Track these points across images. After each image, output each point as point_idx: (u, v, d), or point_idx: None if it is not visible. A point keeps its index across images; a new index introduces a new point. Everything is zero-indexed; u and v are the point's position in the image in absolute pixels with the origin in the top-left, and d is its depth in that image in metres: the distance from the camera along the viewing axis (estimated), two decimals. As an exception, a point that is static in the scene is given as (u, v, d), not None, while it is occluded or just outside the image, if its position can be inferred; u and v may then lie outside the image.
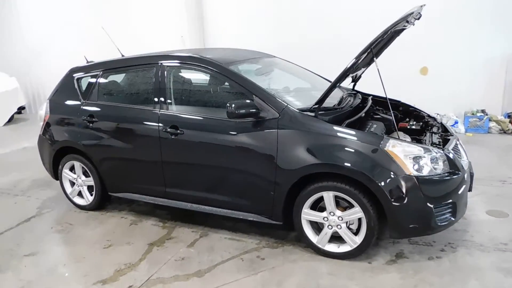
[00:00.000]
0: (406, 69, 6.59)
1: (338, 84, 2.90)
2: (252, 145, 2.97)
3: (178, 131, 3.23)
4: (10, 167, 5.76)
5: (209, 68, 3.23)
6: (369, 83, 6.77)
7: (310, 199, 2.88)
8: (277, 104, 2.95)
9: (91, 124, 3.70)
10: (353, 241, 2.84)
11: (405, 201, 2.62)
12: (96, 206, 3.97)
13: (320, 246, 2.95)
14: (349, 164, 2.68)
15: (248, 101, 2.94)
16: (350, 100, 3.49)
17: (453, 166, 2.77)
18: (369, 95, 4.05)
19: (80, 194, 4.04)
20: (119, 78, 3.83)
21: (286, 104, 2.94)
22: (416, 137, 3.42)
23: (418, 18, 3.39)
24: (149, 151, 3.42)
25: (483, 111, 6.19)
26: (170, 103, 3.37)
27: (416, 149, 2.69)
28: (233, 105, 2.83)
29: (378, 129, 3.33)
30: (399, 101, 3.97)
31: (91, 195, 3.95)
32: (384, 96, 4.05)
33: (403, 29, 3.48)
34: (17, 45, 10.11)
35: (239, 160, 3.05)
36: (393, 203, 2.62)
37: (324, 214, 2.87)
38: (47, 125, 4.04)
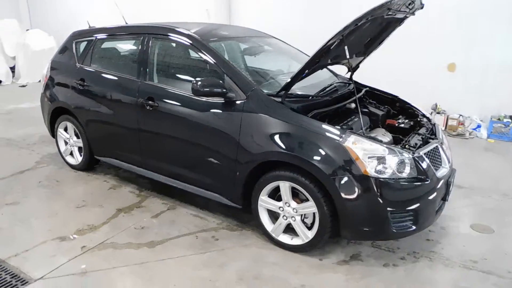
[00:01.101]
0: (432, 65, 6.14)
1: (306, 71, 2.74)
2: (218, 126, 2.92)
3: (154, 103, 3.24)
4: (28, 121, 6.12)
5: (188, 42, 3.18)
6: (380, 76, 6.43)
7: (268, 187, 2.80)
8: (245, 86, 2.86)
9: (81, 88, 3.81)
10: (305, 235, 2.75)
11: (358, 202, 2.48)
12: (84, 167, 4.14)
13: (274, 235, 2.89)
14: (303, 156, 2.56)
15: (215, 79, 2.87)
16: (335, 90, 3.32)
17: (422, 172, 2.56)
18: (366, 86, 3.82)
19: (72, 153, 4.23)
20: (111, 45, 3.88)
21: (254, 87, 2.84)
22: (400, 136, 3.20)
23: (421, 8, 3.12)
24: (129, 120, 3.47)
25: (511, 117, 5.65)
26: (150, 75, 3.37)
27: (380, 149, 2.51)
28: (198, 83, 2.77)
29: (359, 123, 3.16)
30: (396, 97, 3.72)
31: (81, 156, 4.12)
32: (385, 90, 3.91)
33: (401, 19, 3.22)
34: (58, 7, 10.55)
35: (206, 139, 3.02)
36: (346, 202, 2.49)
37: (280, 204, 2.79)
38: (47, 85, 4.21)
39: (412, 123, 3.40)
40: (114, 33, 3.81)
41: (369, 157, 2.46)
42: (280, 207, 2.81)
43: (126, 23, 4.29)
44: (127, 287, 2.48)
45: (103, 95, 3.66)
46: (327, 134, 2.56)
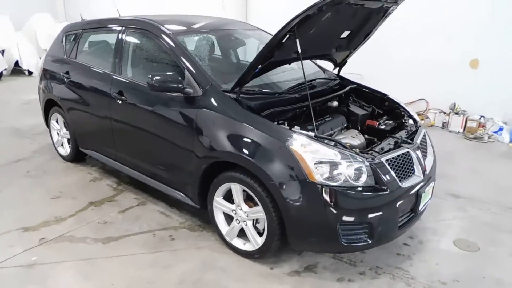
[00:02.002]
0: (453, 60, 5.64)
1: (256, 66, 2.54)
2: (178, 121, 2.83)
3: (123, 97, 3.21)
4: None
5: (156, 35, 3.10)
6: (395, 71, 6.02)
7: (222, 188, 2.68)
8: (202, 81, 2.73)
9: (66, 80, 3.87)
10: (255, 242, 2.59)
11: (304, 211, 2.30)
12: (72, 158, 4.22)
13: (227, 238, 2.76)
14: (249, 157, 2.40)
15: (171, 74, 2.76)
16: (311, 87, 3.10)
17: (381, 181, 2.31)
18: (354, 83, 3.56)
19: (63, 144, 4.33)
20: (93, 38, 3.90)
21: (211, 83, 2.71)
22: (375, 139, 2.93)
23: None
24: (104, 113, 3.47)
25: (538, 120, 5.07)
26: (122, 68, 3.34)
27: (331, 153, 2.29)
28: (153, 78, 2.69)
29: (335, 123, 2.93)
30: (385, 95, 3.42)
31: (69, 147, 4.21)
32: (374, 88, 3.61)
33: (384, 10, 2.94)
34: (90, 0, 10.94)
35: (168, 135, 2.94)
36: (290, 210, 2.31)
37: (233, 206, 2.66)
38: (41, 78, 4.33)
39: (395, 125, 3.11)
40: (97, 26, 3.82)
41: (318, 162, 2.26)
42: (233, 210, 2.67)
43: (119, 16, 4.30)
44: (65, 283, 2.47)
45: (83, 88, 3.69)
46: (273, 135, 2.38)
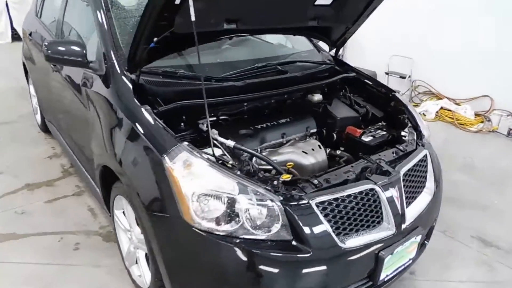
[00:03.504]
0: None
1: (146, 38, 1.74)
2: (84, 105, 2.21)
3: (56, 67, 2.66)
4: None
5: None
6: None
7: (118, 199, 2.03)
8: (108, 57, 2.02)
9: (29, 42, 3.46)
10: (145, 279, 1.93)
11: (175, 262, 1.57)
12: (44, 128, 3.88)
13: (126, 263, 2.14)
14: (122, 168, 1.72)
15: (71, 42, 2.11)
16: (277, 72, 2.26)
17: (302, 236, 1.46)
18: (355, 72, 2.59)
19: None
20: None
21: (114, 58, 1.99)
22: (345, 157, 2.01)
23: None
24: (47, 82, 2.99)
25: None
26: (62, 34, 2.77)
27: (226, 183, 1.48)
28: (49, 45, 2.05)
29: (287, 128, 2.08)
30: (393, 93, 2.42)
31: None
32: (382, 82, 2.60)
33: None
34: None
35: (79, 120, 2.35)
36: (160, 254, 1.59)
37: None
38: (23, 40, 3.99)
39: (387, 138, 2.14)
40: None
41: (202, 195, 1.47)
42: (128, 231, 2.02)
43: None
44: None
45: (35, 51, 3.24)
46: (155, 143, 1.63)
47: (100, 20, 2.15)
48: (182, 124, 1.87)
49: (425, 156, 1.99)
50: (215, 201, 1.47)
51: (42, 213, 2.72)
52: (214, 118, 2.05)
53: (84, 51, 2.07)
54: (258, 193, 1.46)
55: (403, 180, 1.76)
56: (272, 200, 1.46)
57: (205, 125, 1.89)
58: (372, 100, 2.46)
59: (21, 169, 3.26)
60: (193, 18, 1.48)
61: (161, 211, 1.55)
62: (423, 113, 4.91)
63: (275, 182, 1.53)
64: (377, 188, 1.64)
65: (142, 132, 1.67)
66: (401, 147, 1.97)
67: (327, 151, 2.08)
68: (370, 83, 2.52)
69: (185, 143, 1.56)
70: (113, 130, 1.87)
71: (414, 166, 1.87)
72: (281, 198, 1.48)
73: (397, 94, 2.40)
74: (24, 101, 4.84)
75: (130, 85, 1.85)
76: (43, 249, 2.36)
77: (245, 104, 2.13)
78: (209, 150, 1.75)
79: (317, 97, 2.39)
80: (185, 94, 1.90)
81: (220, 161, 1.63)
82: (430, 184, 1.95)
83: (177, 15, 1.61)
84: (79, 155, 2.62)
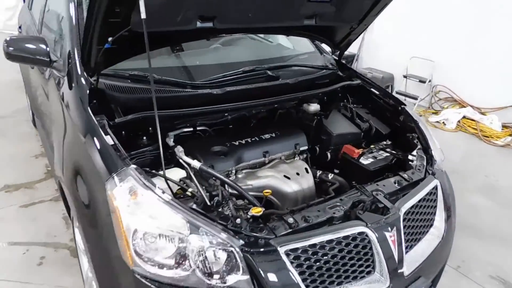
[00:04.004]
0: None
1: (109, 38, 1.46)
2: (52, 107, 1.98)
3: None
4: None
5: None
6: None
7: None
8: (72, 57, 1.76)
9: (19, 35, 3.27)
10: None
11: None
12: (35, 123, 3.71)
13: (86, 287, 1.91)
14: (65, 188, 1.49)
15: (34, 39, 1.87)
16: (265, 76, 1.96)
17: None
18: (361, 79, 2.27)
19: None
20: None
21: (76, 60, 1.73)
22: (337, 184, 1.70)
23: None
24: (30, 80, 2.79)
25: None
26: (41, 27, 2.55)
27: (175, 222, 1.20)
28: (6, 41, 1.81)
29: (270, 145, 1.79)
30: (402, 106, 2.08)
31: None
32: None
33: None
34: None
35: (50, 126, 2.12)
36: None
37: (86, 249, 1.77)
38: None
39: (391, 161, 1.82)
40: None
41: (146, 233, 1.20)
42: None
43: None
44: None
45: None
46: (96, 164, 1.36)
47: (70, 14, 1.90)
48: (145, 138, 1.61)
49: (435, 188, 1.65)
50: (161, 241, 1.20)
51: (14, 219, 2.52)
52: (191, 129, 1.79)
53: (48, 49, 1.84)
54: (212, 235, 1.19)
55: (404, 219, 1.44)
56: (230, 245, 1.18)
57: (172, 140, 1.63)
58: (378, 113, 2.14)
59: (2, 168, 3.09)
60: (143, 16, 1.20)
61: (100, 246, 1.30)
62: (443, 122, 4.49)
63: (238, 220, 1.25)
64: (369, 232, 1.33)
65: (88, 148, 1.42)
66: (405, 175, 1.64)
67: (318, 174, 1.78)
68: (377, 92, 2.19)
69: (133, 166, 1.29)
70: (64, 140, 1.63)
71: (420, 201, 1.55)
72: (242, 242, 1.20)
73: (407, 108, 2.07)
74: (23, 94, 4.70)
75: (87, 90, 1.60)
76: (4, 262, 2.16)
77: (226, 114, 1.85)
78: (172, 172, 1.49)
79: (314, 107, 2.09)
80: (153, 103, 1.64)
81: (179, 189, 1.37)
82: (439, 222, 1.62)
83: (134, 10, 1.34)
84: (51, 157, 2.41)
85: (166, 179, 1.32)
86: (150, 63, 1.28)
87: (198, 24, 1.56)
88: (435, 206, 1.64)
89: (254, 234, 1.22)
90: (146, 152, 1.56)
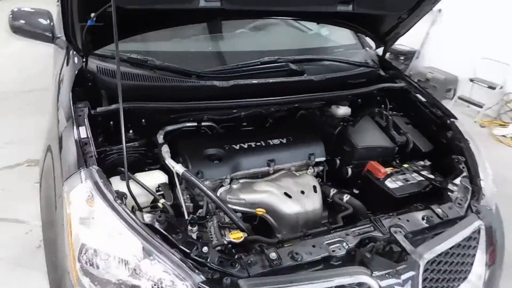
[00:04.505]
0: None
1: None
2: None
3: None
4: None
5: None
6: None
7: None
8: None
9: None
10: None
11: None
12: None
13: None
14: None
15: (40, 11, 1.73)
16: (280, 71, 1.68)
17: None
18: (409, 81, 1.91)
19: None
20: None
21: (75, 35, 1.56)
22: (351, 208, 1.40)
23: None
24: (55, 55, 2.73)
25: None
26: None
27: (129, 242, 0.99)
28: (12, 12, 1.70)
29: (276, 153, 1.53)
30: (454, 120, 1.69)
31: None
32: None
33: None
34: None
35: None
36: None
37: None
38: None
39: (424, 189, 1.47)
40: None
41: (94, 251, 1.01)
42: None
43: None
44: None
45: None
46: (63, 157, 1.19)
47: None
48: (131, 132, 1.41)
49: (477, 231, 1.29)
50: (112, 263, 1.00)
51: (26, 197, 2.47)
52: (195, 124, 1.57)
53: (52, 24, 1.71)
54: (165, 263, 0.96)
55: (426, 270, 1.12)
56: (186, 279, 0.95)
57: (162, 136, 1.42)
58: (421, 125, 1.77)
59: (30, 142, 3.11)
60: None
61: (54, 258, 1.13)
62: (511, 137, 3.88)
63: (205, 249, 1.01)
64: (372, 284, 1.03)
65: (60, 137, 1.25)
66: (439, 210, 1.30)
67: (331, 193, 1.48)
68: (423, 99, 1.81)
69: (95, 168, 1.10)
70: (49, 127, 1.49)
71: (452, 248, 1.20)
72: (202, 279, 0.96)
73: (457, 123, 1.68)
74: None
75: (75, 72, 1.43)
76: (4, 239, 2.13)
77: (234, 110, 1.61)
78: (151, 175, 1.29)
79: (343, 110, 1.78)
80: (148, 91, 1.45)
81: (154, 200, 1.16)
82: (475, 276, 1.26)
83: None
84: None
85: (129, 188, 1.11)
86: (117, 45, 1.07)
87: (202, 2, 1.32)
88: (474, 255, 1.28)
89: (222, 269, 0.98)
90: (130, 149, 1.37)
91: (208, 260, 0.99)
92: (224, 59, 1.69)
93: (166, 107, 1.39)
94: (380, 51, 2.04)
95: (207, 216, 1.27)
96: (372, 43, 2.09)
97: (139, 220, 1.01)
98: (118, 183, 1.21)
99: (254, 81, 1.57)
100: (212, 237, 1.23)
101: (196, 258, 0.98)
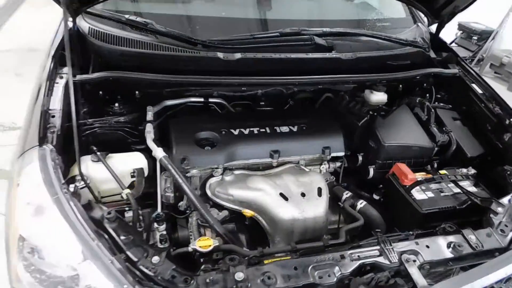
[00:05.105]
0: None
1: None
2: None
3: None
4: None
5: None
6: None
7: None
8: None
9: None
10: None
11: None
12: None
13: None
14: None
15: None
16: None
17: None
18: (466, 67, 1.57)
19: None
20: None
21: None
22: (362, 221, 1.15)
23: None
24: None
25: None
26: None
27: (68, 242, 0.83)
28: None
29: (299, 145, 1.32)
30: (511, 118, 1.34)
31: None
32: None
33: None
34: None
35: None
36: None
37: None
38: None
39: (461, 204, 1.17)
40: None
41: (34, 248, 0.87)
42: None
43: None
44: None
45: None
46: (25, 129, 1.06)
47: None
48: (117, 104, 1.26)
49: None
50: (50, 261, 0.86)
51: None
52: (201, 100, 1.39)
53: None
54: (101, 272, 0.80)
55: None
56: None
57: (151, 113, 1.26)
58: (472, 122, 1.44)
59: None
60: None
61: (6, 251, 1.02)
62: None
63: (156, 259, 0.84)
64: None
65: (32, 105, 1.12)
66: (473, 237, 1.01)
67: (344, 197, 1.24)
68: (480, 91, 1.46)
69: (48, 147, 0.96)
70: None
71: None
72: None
73: (521, 124, 1.32)
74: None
75: (64, 34, 1.29)
76: None
77: (244, 88, 1.39)
78: (130, 157, 1.14)
79: (378, 96, 1.49)
80: (144, 59, 1.28)
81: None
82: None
83: None
84: None
85: (81, 174, 0.96)
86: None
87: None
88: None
89: (170, 286, 0.81)
90: (113, 123, 1.22)
91: (156, 273, 0.82)
92: (237, 28, 1.46)
93: (151, 79, 1.21)
94: (433, 28, 1.68)
95: (187, 211, 1.10)
96: (425, 18, 1.74)
97: (86, 216, 0.86)
98: (89, 164, 1.07)
99: (267, 55, 1.33)
100: (191, 237, 1.07)
101: (142, 269, 0.82)
